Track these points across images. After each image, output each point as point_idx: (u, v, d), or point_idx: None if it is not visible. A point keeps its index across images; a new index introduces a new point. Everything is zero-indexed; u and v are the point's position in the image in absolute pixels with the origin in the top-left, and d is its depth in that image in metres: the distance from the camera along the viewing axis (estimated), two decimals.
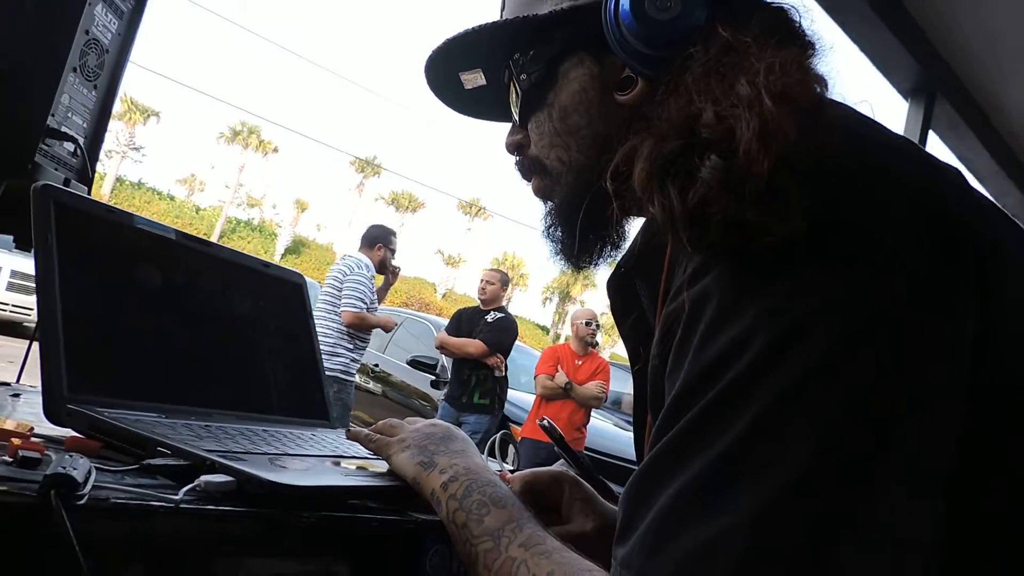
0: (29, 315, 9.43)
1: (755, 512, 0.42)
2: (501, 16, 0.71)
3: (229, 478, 0.58)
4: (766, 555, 0.41)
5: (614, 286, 0.69)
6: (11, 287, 9.27)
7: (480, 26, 0.69)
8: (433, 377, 5.87)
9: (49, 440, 0.65)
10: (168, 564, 0.54)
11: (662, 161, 0.51)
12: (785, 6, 0.62)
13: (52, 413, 0.69)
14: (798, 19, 0.61)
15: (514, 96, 0.70)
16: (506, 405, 5.19)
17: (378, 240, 4.63)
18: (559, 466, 0.90)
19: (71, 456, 0.51)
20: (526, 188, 0.73)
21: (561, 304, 47.98)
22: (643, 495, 0.47)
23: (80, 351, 0.74)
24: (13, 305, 9.26)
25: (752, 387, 0.44)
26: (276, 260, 33.39)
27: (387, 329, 4.73)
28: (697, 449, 0.45)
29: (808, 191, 0.47)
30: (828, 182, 0.48)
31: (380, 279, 4.69)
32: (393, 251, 4.70)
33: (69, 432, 0.67)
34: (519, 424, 5.42)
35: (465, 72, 0.73)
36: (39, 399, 0.83)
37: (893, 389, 0.43)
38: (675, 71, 0.56)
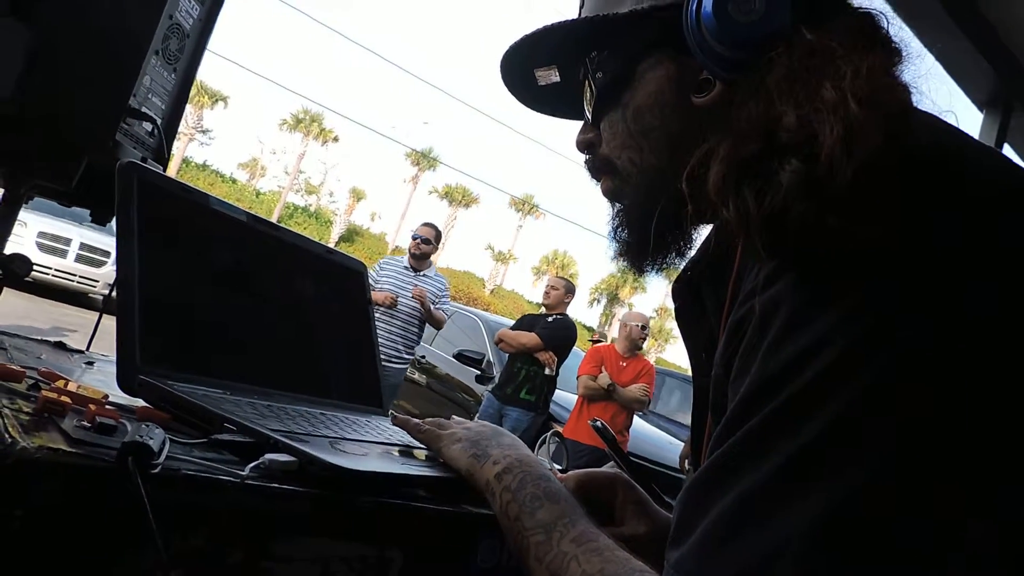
0: (95, 286, 9.80)
1: (817, 521, 0.41)
2: (580, 14, 0.71)
3: (292, 458, 0.59)
4: (828, 565, 0.41)
5: (680, 291, 0.68)
6: (79, 259, 9.64)
7: (559, 23, 0.69)
8: (479, 372, 5.90)
9: (122, 408, 0.67)
10: (230, 536, 0.55)
11: (739, 163, 0.50)
12: (871, 12, 0.60)
13: (125, 382, 0.71)
14: (884, 25, 0.60)
15: (588, 94, 0.69)
16: (551, 405, 5.19)
17: None
18: (610, 467, 0.90)
19: (147, 426, 0.53)
20: (583, 188, 0.73)
21: (609, 306, 47.70)
22: (701, 498, 0.47)
23: (153, 324, 0.76)
24: (80, 276, 9.63)
25: (818, 397, 0.43)
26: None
27: (383, 304, 4.81)
28: (760, 456, 0.44)
29: (892, 198, 0.45)
30: (913, 189, 0.47)
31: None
32: None
33: (140, 402, 0.69)
34: (561, 424, 5.41)
35: (540, 68, 0.74)
36: (111, 367, 0.86)
37: (962, 408, 0.42)
38: (755, 74, 0.55)
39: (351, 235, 39.86)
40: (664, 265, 0.68)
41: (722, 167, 0.50)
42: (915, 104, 0.56)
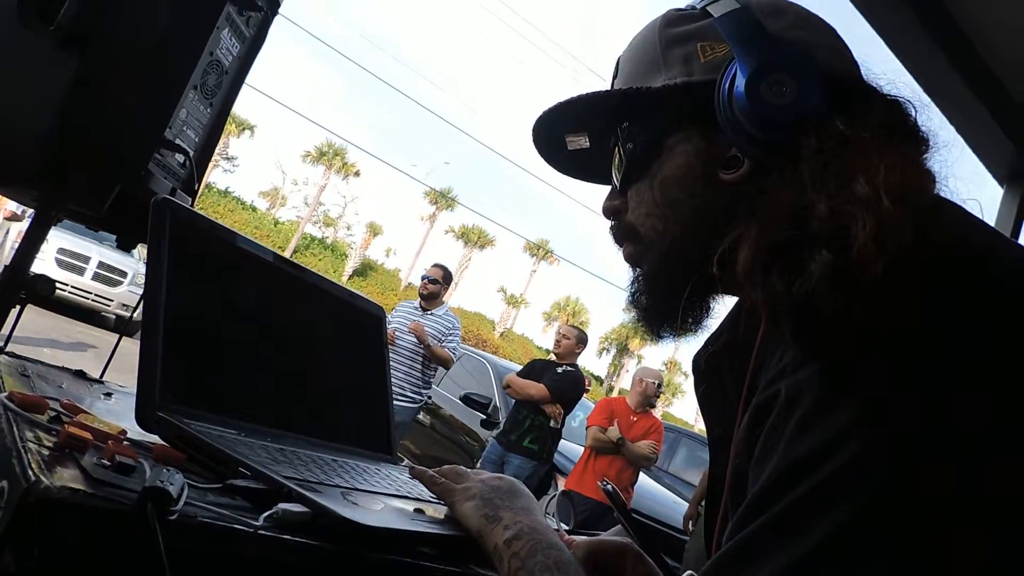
0: (109, 305, 9.88)
1: None
2: (613, 83, 0.73)
3: (305, 509, 0.59)
4: None
5: (700, 365, 0.69)
6: (96, 277, 9.74)
7: (593, 93, 0.71)
8: (484, 416, 5.85)
9: (138, 445, 0.68)
10: None
11: (769, 248, 0.51)
12: (902, 100, 0.61)
13: (143, 419, 0.71)
14: (913, 114, 0.61)
15: (617, 162, 0.71)
16: (555, 455, 5.14)
17: None
18: (616, 533, 0.89)
19: (168, 470, 0.53)
20: (597, 236, 0.74)
21: (618, 356, 47.46)
22: None
23: (174, 361, 0.77)
24: (96, 295, 9.71)
25: (838, 492, 0.43)
26: (344, 280, 34.13)
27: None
28: (783, 542, 0.44)
29: (919, 293, 0.46)
30: (940, 286, 0.47)
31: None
32: None
33: (155, 437, 0.70)
34: (564, 474, 5.35)
35: (571, 134, 0.75)
36: (128, 399, 0.86)
37: (980, 511, 0.42)
38: (785, 156, 0.56)
39: (365, 269, 40.07)
40: (681, 332, 0.68)
41: (752, 251, 0.51)
42: (941, 191, 0.57)
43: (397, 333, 4.93)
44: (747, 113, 0.59)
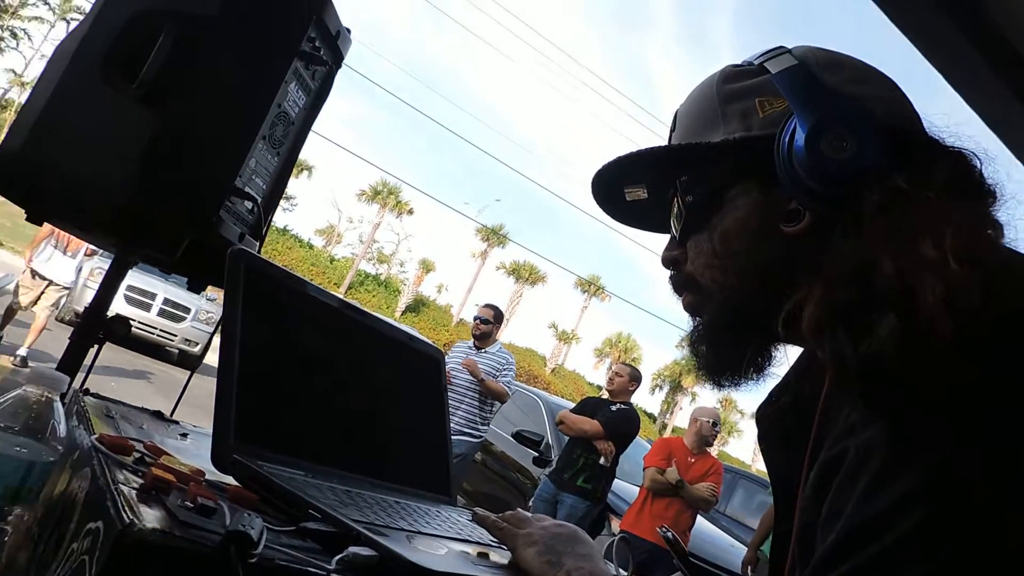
0: (173, 340, 10.22)
1: None
2: (671, 136, 0.75)
3: (373, 552, 0.61)
4: None
5: (765, 418, 0.69)
6: (162, 313, 10.11)
7: (652, 148, 0.72)
8: (536, 454, 5.82)
9: (214, 486, 0.71)
10: None
11: (835, 307, 0.51)
12: (966, 152, 0.61)
13: (219, 460, 0.75)
14: (978, 166, 0.60)
15: (677, 213, 0.72)
16: (609, 495, 5.07)
17: None
18: None
19: (248, 514, 0.56)
20: (649, 273, 0.75)
21: (671, 394, 46.67)
22: None
23: (248, 404, 0.80)
24: (161, 330, 10.07)
25: (908, 555, 0.43)
26: (396, 316, 34.49)
27: None
28: None
29: (988, 349, 0.46)
30: (1008, 338, 0.47)
31: None
32: None
33: (230, 479, 0.73)
34: (617, 514, 5.26)
35: (630, 186, 0.77)
36: (202, 439, 0.90)
37: None
38: (847, 211, 0.57)
39: (417, 305, 40.52)
40: (741, 382, 0.69)
41: (818, 310, 0.52)
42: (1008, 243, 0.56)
43: (453, 372, 5.00)
44: (807, 168, 0.59)
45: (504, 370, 5.15)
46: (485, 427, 5.21)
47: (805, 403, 0.61)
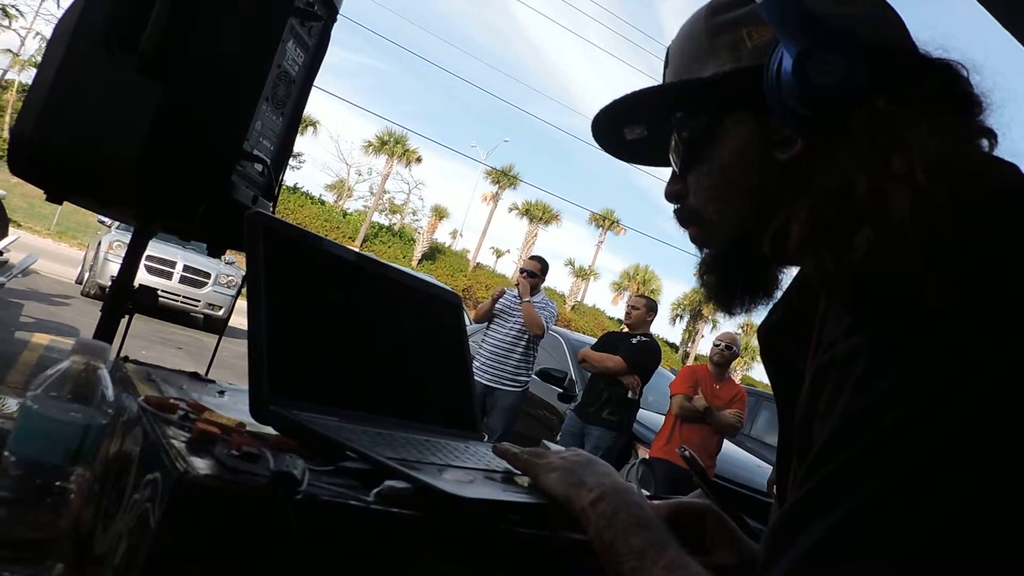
0: (197, 306, 10.40)
1: (900, 559, 0.44)
2: (665, 74, 0.76)
3: (408, 484, 0.66)
4: None
5: (766, 334, 0.72)
6: (183, 280, 10.28)
7: (646, 89, 0.74)
8: (561, 390, 5.93)
9: (256, 436, 0.76)
10: (355, 554, 0.62)
11: (817, 227, 0.54)
12: (952, 63, 0.62)
13: (257, 412, 0.79)
14: (965, 74, 0.62)
15: (675, 148, 0.74)
16: (634, 425, 5.17)
17: None
18: (696, 496, 0.93)
19: (290, 456, 0.60)
20: (663, 203, 0.77)
21: (692, 322, 46.83)
22: (788, 533, 0.50)
23: (278, 359, 0.85)
24: (184, 296, 10.25)
25: (900, 441, 0.47)
26: (413, 265, 34.56)
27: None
28: (844, 494, 0.48)
29: (963, 258, 0.48)
30: (983, 249, 0.49)
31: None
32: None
33: (269, 429, 0.78)
34: (644, 443, 5.37)
35: (628, 126, 0.79)
36: (239, 395, 0.95)
37: None
38: (834, 134, 0.59)
39: (433, 253, 40.63)
40: (751, 306, 0.72)
41: (802, 230, 0.55)
42: (996, 151, 0.58)
43: (496, 321, 5.31)
44: (795, 94, 0.61)
45: (548, 319, 5.36)
46: (528, 376, 5.41)
47: (802, 319, 0.64)
